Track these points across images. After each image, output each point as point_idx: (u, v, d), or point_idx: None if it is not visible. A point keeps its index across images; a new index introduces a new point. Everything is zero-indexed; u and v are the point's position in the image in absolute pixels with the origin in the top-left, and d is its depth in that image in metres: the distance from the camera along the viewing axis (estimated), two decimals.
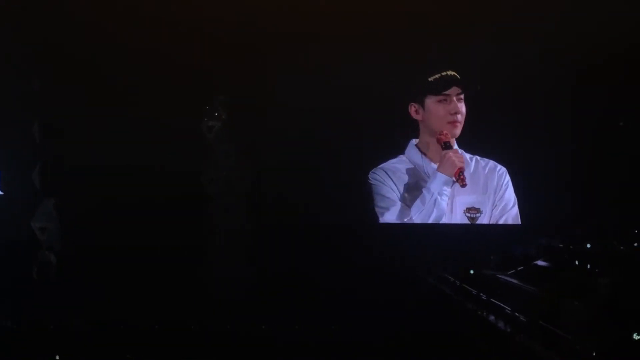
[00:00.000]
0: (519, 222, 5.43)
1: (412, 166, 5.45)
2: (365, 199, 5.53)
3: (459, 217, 5.39)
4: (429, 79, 5.39)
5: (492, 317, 5.17)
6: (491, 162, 5.47)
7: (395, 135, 5.58)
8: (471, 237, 5.45)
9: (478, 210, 5.39)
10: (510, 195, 5.43)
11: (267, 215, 5.79)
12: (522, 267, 5.49)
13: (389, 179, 5.44)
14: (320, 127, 5.64)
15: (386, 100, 5.57)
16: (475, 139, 5.47)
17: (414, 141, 5.48)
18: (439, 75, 5.36)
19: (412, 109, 5.44)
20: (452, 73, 5.36)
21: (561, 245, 5.55)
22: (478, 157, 5.46)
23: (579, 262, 5.36)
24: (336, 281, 5.46)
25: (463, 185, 5.26)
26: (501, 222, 5.41)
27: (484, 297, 5.33)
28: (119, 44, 5.68)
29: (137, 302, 5.45)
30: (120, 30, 5.65)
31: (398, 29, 5.57)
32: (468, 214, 5.39)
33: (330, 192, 5.65)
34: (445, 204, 5.33)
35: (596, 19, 5.48)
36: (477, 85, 5.40)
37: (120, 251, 5.63)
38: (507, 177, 5.44)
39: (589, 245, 5.43)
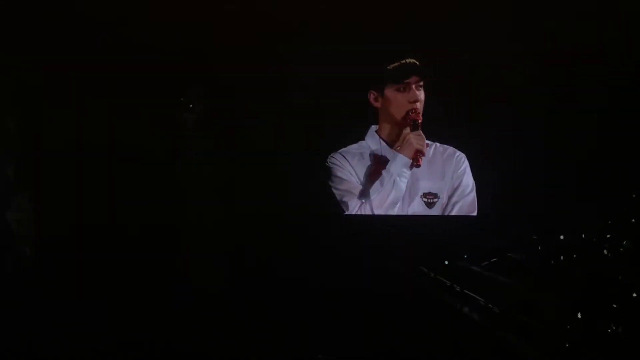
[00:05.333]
0: (475, 209, 5.49)
1: (371, 151, 5.49)
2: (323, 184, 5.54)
3: (416, 202, 5.44)
4: (389, 67, 5.38)
5: (466, 309, 5.24)
6: (450, 149, 5.54)
7: (355, 121, 5.58)
8: (441, 227, 5.50)
9: (435, 196, 5.46)
10: (467, 181, 5.50)
11: (241, 207, 5.79)
12: (495, 259, 5.53)
13: (347, 162, 5.48)
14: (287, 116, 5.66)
15: (345, 86, 5.55)
16: (435, 126, 5.49)
17: (374, 127, 5.53)
18: (399, 63, 5.37)
19: (372, 96, 5.47)
20: (412, 61, 5.37)
21: (534, 237, 5.59)
22: (437, 144, 5.50)
23: (552, 254, 5.42)
24: (303, 273, 5.48)
25: (417, 166, 5.28)
26: (457, 207, 5.49)
27: (457, 288, 5.39)
28: (96, 33, 5.66)
29: (114, 295, 5.45)
30: (98, 18, 5.64)
31: (357, 16, 5.55)
32: (425, 199, 5.47)
33: (297, 182, 5.66)
34: (404, 186, 5.37)
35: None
36: (437, 72, 5.41)
37: (97, 244, 5.63)
38: (466, 163, 5.52)
39: (562, 237, 5.49)
